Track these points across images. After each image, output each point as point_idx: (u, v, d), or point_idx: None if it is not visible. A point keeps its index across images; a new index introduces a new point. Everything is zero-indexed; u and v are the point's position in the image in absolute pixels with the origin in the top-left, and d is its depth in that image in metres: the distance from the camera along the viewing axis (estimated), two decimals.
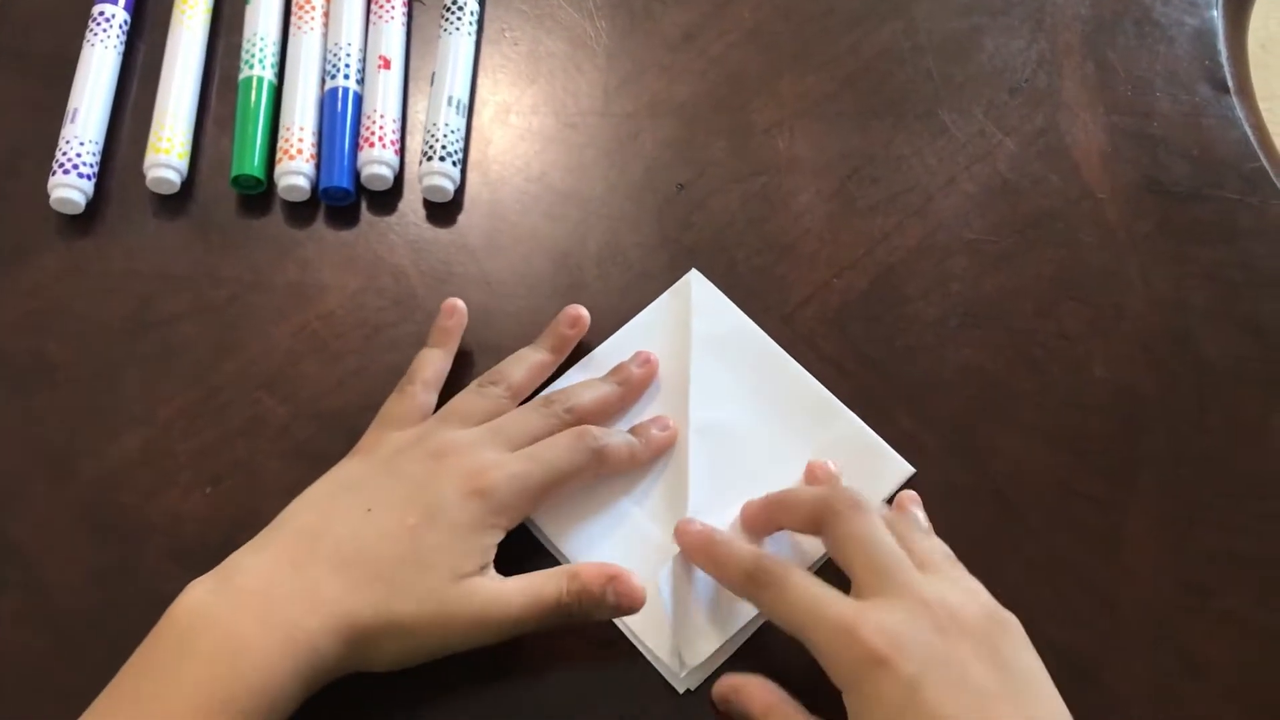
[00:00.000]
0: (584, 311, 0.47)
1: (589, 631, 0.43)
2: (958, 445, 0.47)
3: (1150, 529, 0.45)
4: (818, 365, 0.48)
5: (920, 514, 0.45)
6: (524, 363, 0.46)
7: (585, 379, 0.47)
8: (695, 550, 0.42)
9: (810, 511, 0.41)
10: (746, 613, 0.43)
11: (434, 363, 0.46)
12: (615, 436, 0.44)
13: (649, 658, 0.43)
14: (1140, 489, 0.46)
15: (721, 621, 0.43)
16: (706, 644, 0.42)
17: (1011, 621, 0.39)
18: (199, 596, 0.38)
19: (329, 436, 0.46)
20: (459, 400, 0.45)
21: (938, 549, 0.42)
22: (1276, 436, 0.47)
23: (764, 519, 0.44)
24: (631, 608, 0.41)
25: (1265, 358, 0.49)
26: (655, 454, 0.45)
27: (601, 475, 0.44)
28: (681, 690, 0.42)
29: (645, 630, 0.43)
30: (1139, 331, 0.49)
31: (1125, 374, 0.48)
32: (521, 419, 0.44)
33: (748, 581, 0.40)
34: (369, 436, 0.44)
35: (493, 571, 0.41)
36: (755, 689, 0.40)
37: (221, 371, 0.48)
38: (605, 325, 0.49)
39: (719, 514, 0.44)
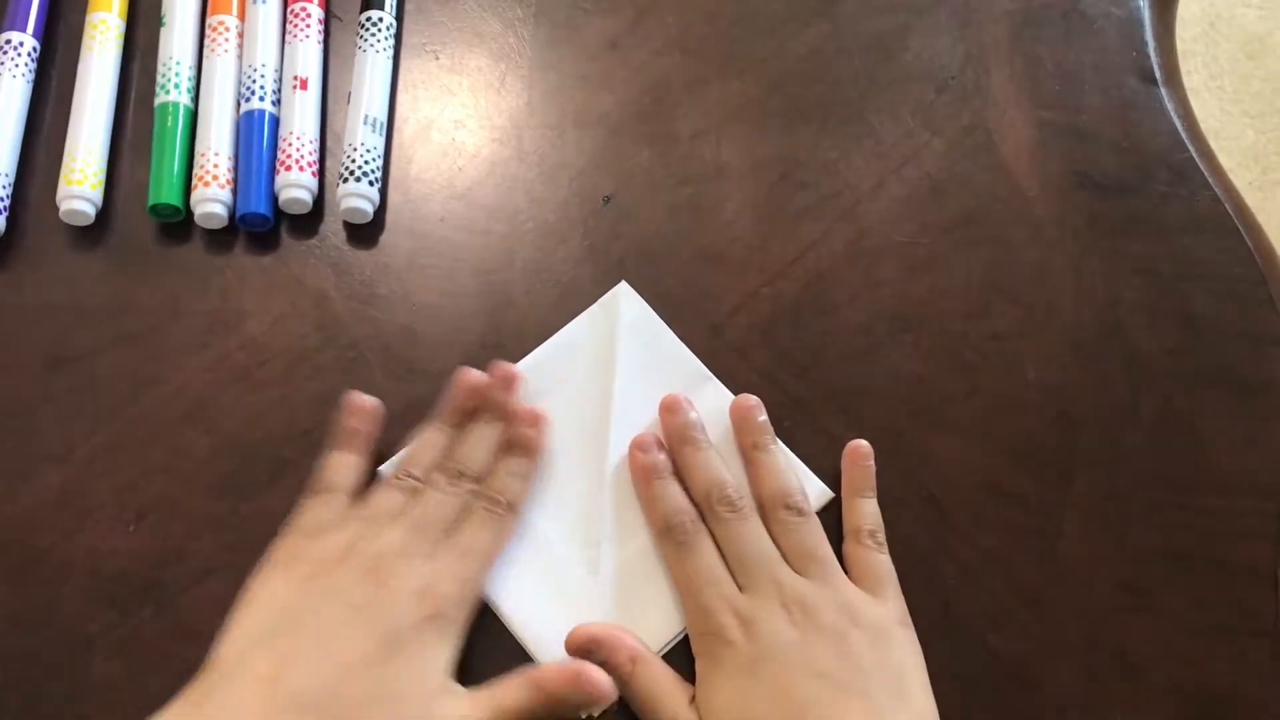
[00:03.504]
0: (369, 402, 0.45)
1: (501, 658, 0.43)
2: (889, 451, 0.46)
3: (1085, 529, 0.45)
4: (748, 375, 0.47)
5: (869, 509, 0.45)
6: (433, 447, 0.45)
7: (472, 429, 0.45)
8: (639, 474, 0.45)
9: (702, 491, 0.44)
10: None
11: (348, 468, 0.44)
12: (508, 480, 0.44)
13: None
14: (1074, 489, 0.46)
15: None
16: None
17: (876, 625, 0.41)
18: None
19: (253, 468, 0.46)
20: (379, 500, 0.43)
21: (879, 565, 0.43)
22: (1208, 432, 0.47)
23: (673, 447, 0.45)
24: (603, 697, 0.40)
25: (1198, 350, 0.48)
26: (540, 451, 0.45)
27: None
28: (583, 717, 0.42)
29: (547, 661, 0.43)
30: (1070, 329, 0.49)
31: (1057, 373, 0.48)
32: (437, 507, 0.43)
33: (664, 531, 0.43)
34: (287, 547, 0.42)
35: (453, 683, 0.40)
36: (621, 639, 0.42)
37: (141, 404, 0.47)
38: (534, 342, 0.48)
39: (639, 540, 0.44)
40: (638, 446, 0.45)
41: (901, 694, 0.39)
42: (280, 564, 0.42)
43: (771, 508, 0.43)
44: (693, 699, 0.41)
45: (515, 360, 0.47)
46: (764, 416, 0.46)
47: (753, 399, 0.46)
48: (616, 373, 0.47)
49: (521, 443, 0.45)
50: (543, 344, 0.48)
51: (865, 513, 0.44)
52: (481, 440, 0.45)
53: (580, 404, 0.46)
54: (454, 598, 0.41)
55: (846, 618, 0.40)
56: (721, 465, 0.44)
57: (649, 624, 0.43)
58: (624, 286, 0.49)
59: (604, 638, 0.42)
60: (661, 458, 0.45)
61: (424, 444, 0.45)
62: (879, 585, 0.42)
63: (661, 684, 0.41)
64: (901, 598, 0.43)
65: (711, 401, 0.47)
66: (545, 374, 0.47)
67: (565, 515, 0.45)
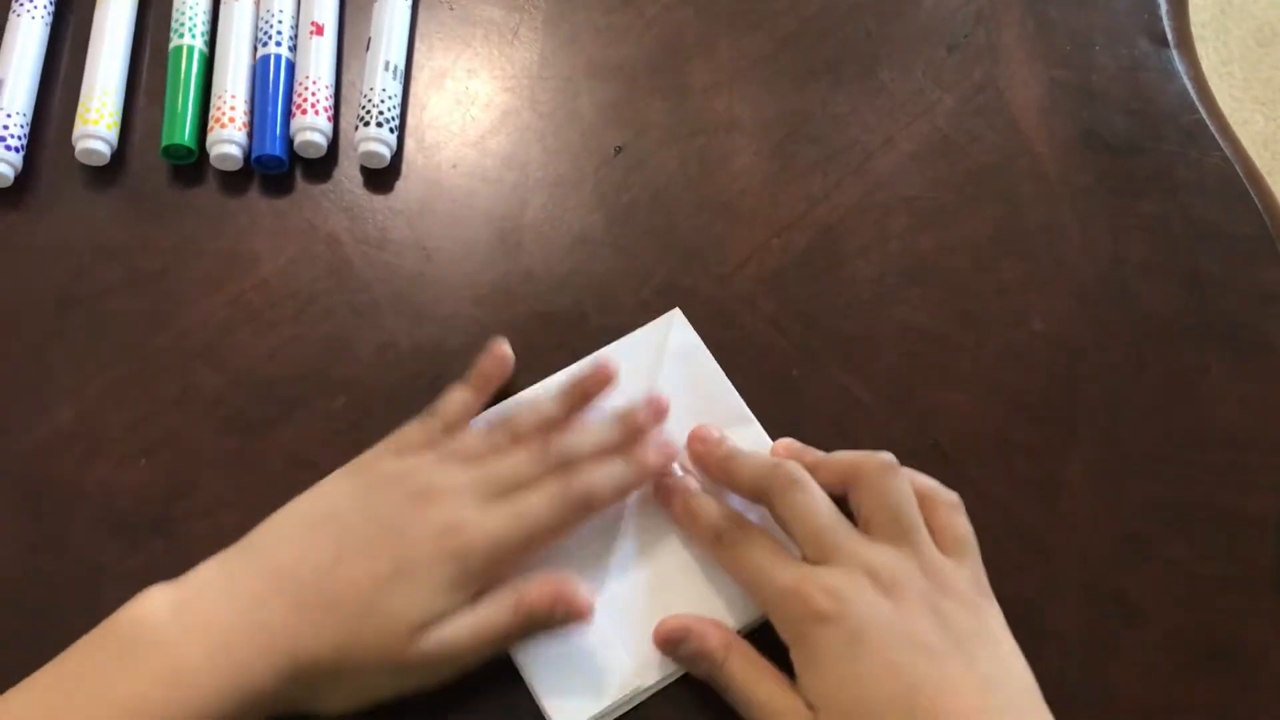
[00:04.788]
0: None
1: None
2: (896, 400, 0.47)
3: (1088, 479, 0.46)
4: (756, 324, 0.48)
5: (930, 483, 0.43)
6: (541, 417, 0.43)
7: (591, 417, 0.44)
8: (672, 500, 0.43)
9: (752, 483, 0.42)
10: (632, 685, 0.41)
11: (463, 404, 0.44)
12: (600, 474, 0.42)
13: (536, 700, 0.41)
14: (1078, 440, 0.46)
15: (606, 690, 0.41)
16: (583, 712, 0.41)
17: (964, 593, 0.39)
18: (153, 611, 0.37)
19: (263, 406, 0.46)
20: (466, 440, 0.43)
21: (959, 527, 0.41)
22: (1213, 387, 0.47)
23: (709, 469, 0.44)
24: (580, 619, 0.40)
25: (1202, 309, 0.49)
26: (647, 479, 0.43)
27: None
28: None
29: (536, 675, 0.41)
30: (1077, 285, 0.49)
31: (1063, 327, 0.48)
32: (513, 466, 0.42)
33: (715, 538, 0.42)
34: (371, 453, 0.43)
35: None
36: (710, 628, 0.41)
37: (154, 342, 0.47)
38: (544, 288, 0.48)
39: (657, 560, 0.43)
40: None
41: (1002, 662, 0.38)
42: (353, 468, 0.42)
43: (854, 478, 0.41)
44: (793, 687, 0.39)
45: (528, 337, 0.47)
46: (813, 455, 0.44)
47: (796, 444, 0.44)
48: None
49: (638, 460, 0.43)
50: (584, 359, 0.46)
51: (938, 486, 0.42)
52: (594, 435, 0.43)
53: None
54: (480, 552, 0.39)
55: (935, 586, 0.39)
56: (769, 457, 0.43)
57: (614, 671, 0.41)
58: (677, 314, 0.48)
59: (695, 627, 0.41)
60: (690, 480, 0.43)
61: (534, 410, 0.43)
62: (962, 550, 0.41)
63: (760, 669, 0.39)
64: (981, 563, 0.41)
65: (750, 445, 0.44)
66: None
67: (580, 536, 0.43)
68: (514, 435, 0.43)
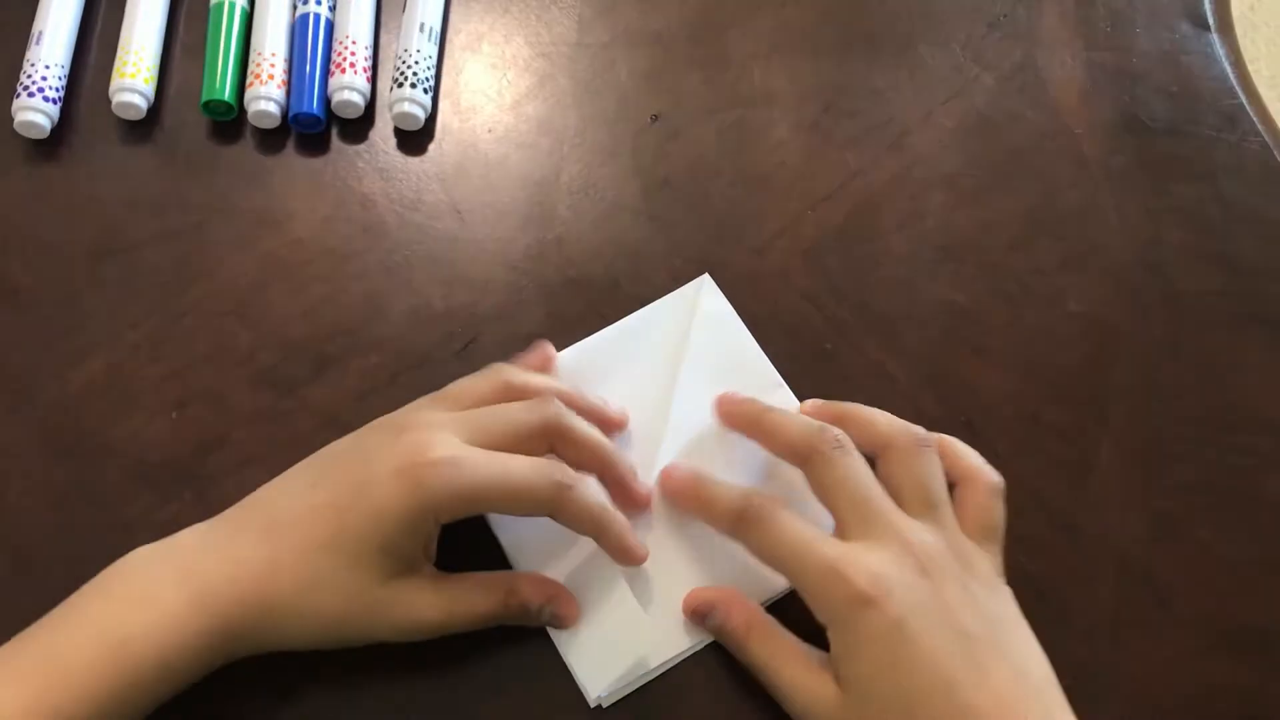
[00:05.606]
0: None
1: (511, 630, 0.41)
2: (928, 377, 0.46)
3: (1119, 460, 0.45)
4: (790, 297, 0.48)
5: (977, 460, 0.42)
6: (554, 394, 0.42)
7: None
8: (681, 493, 0.42)
9: (792, 444, 0.41)
10: (663, 653, 0.41)
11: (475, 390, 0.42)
12: (590, 487, 0.39)
13: (568, 666, 0.41)
14: (1110, 421, 0.46)
15: (636, 658, 0.41)
16: (614, 678, 0.41)
17: (987, 578, 0.39)
18: (137, 552, 0.38)
19: (295, 363, 0.46)
20: (468, 381, 0.42)
21: (992, 515, 0.41)
22: (1247, 371, 0.47)
23: (743, 425, 0.43)
24: (563, 626, 0.41)
25: (1238, 293, 0.48)
26: (635, 509, 0.42)
27: (557, 518, 0.39)
28: (593, 704, 0.41)
29: (568, 642, 0.41)
30: (1113, 266, 0.49)
31: (1098, 308, 0.48)
32: (505, 411, 0.40)
33: (737, 520, 0.40)
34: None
35: (427, 568, 0.39)
36: (734, 605, 0.41)
37: (188, 297, 0.47)
38: (577, 254, 0.48)
39: (686, 528, 0.43)
40: (665, 474, 0.43)
41: (1026, 648, 0.38)
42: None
43: (884, 449, 0.41)
44: (820, 664, 0.38)
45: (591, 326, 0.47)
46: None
47: (820, 402, 0.44)
48: (682, 365, 0.45)
49: (628, 492, 0.42)
50: (610, 325, 0.46)
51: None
52: (590, 435, 0.41)
53: (640, 392, 0.45)
54: (437, 476, 0.37)
55: (965, 568, 0.38)
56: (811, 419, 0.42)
57: (650, 638, 0.41)
58: (706, 279, 0.47)
59: (719, 604, 0.41)
60: (693, 466, 0.43)
61: (549, 383, 0.43)
62: (988, 536, 0.40)
63: (781, 647, 0.39)
64: (1001, 552, 0.40)
65: (776, 403, 0.44)
66: (609, 355, 0.45)
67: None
68: (519, 386, 0.42)
